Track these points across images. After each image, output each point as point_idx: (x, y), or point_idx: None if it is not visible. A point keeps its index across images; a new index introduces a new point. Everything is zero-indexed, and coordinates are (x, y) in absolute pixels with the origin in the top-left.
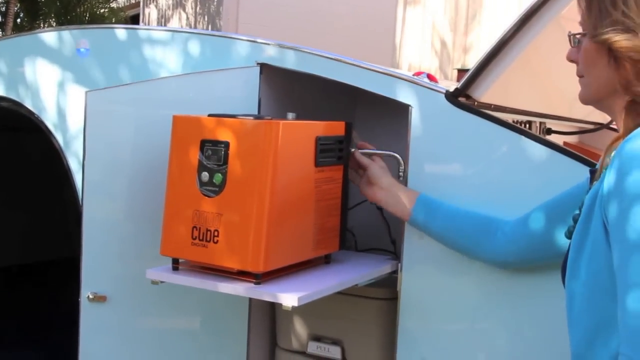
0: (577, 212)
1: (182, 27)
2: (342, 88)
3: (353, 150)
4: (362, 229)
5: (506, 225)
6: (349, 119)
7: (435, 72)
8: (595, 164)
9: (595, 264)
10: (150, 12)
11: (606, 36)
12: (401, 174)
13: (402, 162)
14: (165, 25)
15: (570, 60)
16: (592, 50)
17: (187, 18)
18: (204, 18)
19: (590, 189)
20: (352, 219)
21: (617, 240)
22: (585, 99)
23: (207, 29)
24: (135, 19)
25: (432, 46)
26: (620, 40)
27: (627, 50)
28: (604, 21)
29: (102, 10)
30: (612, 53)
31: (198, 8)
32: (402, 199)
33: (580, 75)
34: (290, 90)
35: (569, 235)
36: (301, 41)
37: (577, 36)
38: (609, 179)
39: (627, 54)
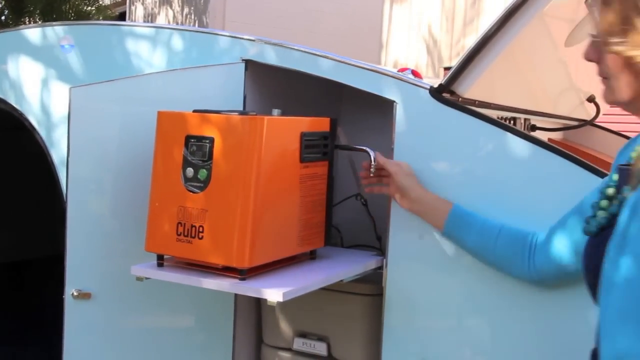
0: (596, 200)
1: (168, 23)
2: (328, 84)
3: (373, 155)
4: (348, 225)
5: (538, 241)
6: (335, 116)
7: (422, 70)
8: (582, 161)
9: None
10: (137, 10)
11: (622, 48)
12: (372, 169)
13: (373, 158)
14: (152, 23)
15: (589, 59)
16: (614, 58)
17: (174, 16)
18: (190, 16)
19: (616, 186)
20: (338, 216)
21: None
22: (609, 102)
23: (194, 26)
24: (122, 17)
25: (418, 44)
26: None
27: None
28: (624, 28)
29: (88, 8)
30: (632, 65)
31: (185, 6)
32: (434, 211)
33: (603, 77)
34: (276, 87)
35: (589, 229)
36: (288, 39)
37: (596, 39)
38: None
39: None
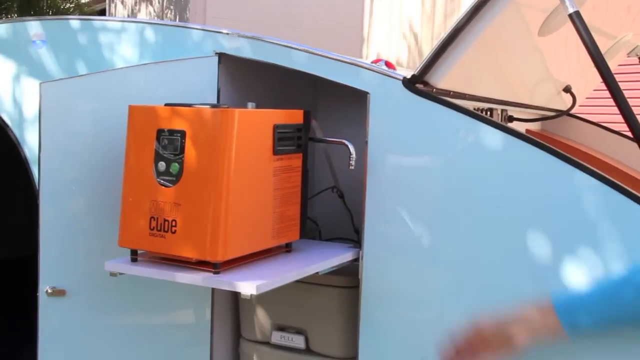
0: None
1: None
2: (303, 78)
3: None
4: (326, 218)
5: None
6: (312, 109)
7: (404, 64)
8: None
9: None
10: (117, 7)
11: None
12: (352, 162)
13: (352, 151)
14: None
15: None
16: None
17: (155, 12)
18: (171, 12)
19: None
20: (316, 209)
21: None
22: None
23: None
24: (102, 14)
25: (399, 38)
26: None
27: None
28: None
29: (67, 5)
30: None
31: (165, 1)
32: None
33: None
34: (251, 81)
35: None
36: (270, 35)
37: None
38: None
39: None
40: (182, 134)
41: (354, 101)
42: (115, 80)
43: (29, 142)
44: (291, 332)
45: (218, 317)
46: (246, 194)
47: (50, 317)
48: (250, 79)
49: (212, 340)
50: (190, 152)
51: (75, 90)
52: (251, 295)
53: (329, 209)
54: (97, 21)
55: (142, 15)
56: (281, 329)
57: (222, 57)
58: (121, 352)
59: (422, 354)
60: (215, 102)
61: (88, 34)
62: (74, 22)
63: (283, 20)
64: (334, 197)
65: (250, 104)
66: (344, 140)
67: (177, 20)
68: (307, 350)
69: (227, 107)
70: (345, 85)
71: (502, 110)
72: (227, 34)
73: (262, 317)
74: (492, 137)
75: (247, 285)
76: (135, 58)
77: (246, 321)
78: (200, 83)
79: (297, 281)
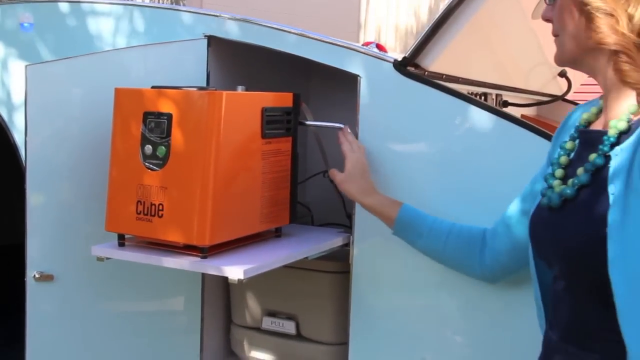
0: (550, 172)
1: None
2: (295, 61)
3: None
4: (318, 204)
5: (488, 240)
6: (303, 93)
7: (402, 50)
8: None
9: None
10: None
11: None
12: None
13: (349, 132)
14: None
15: (546, 19)
16: (564, 5)
17: None
18: None
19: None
20: (308, 194)
21: None
22: (560, 60)
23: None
24: None
25: (397, 25)
26: None
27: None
28: None
29: None
30: (582, 7)
31: None
32: (379, 215)
33: (555, 35)
34: (242, 64)
35: (551, 202)
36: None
37: None
38: None
39: (595, 4)
40: (169, 116)
41: (346, 85)
42: (102, 62)
43: (18, 126)
44: (282, 317)
45: (208, 302)
46: (234, 178)
47: (39, 303)
48: (241, 63)
49: (203, 325)
50: (177, 135)
51: (61, 73)
52: (239, 280)
53: (321, 194)
54: (85, 3)
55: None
56: (272, 314)
57: (212, 40)
58: (110, 337)
59: (413, 339)
60: (204, 85)
61: (77, 16)
62: (62, 5)
63: (279, 6)
64: (327, 182)
65: (239, 87)
66: (339, 125)
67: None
68: (298, 336)
69: (215, 90)
70: (337, 69)
71: (497, 95)
72: (217, 16)
73: (252, 303)
74: (487, 121)
75: (235, 269)
76: (124, 41)
77: (237, 307)
78: (189, 66)
79: (288, 266)
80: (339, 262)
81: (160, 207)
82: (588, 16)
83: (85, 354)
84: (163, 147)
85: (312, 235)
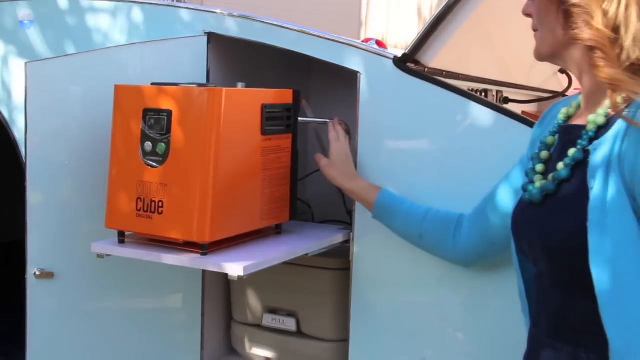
0: (531, 166)
1: None
2: (295, 58)
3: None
4: (318, 200)
5: (463, 224)
6: (303, 89)
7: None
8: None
9: (627, 241)
10: None
11: None
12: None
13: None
14: None
15: (526, 14)
16: (543, 1)
17: None
18: None
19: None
20: (308, 191)
21: None
22: (539, 54)
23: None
24: None
25: (398, 22)
26: None
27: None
28: None
29: None
30: (559, 3)
31: None
32: (360, 199)
33: (535, 30)
34: (242, 61)
35: (532, 197)
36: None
37: None
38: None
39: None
40: (169, 113)
41: (346, 82)
42: (102, 59)
43: (18, 124)
44: (282, 314)
45: (209, 299)
46: (234, 174)
47: (39, 300)
48: (240, 60)
49: (203, 322)
50: (176, 132)
51: (61, 71)
52: (238, 276)
53: (321, 191)
54: (85, 1)
55: None
56: (272, 311)
57: (212, 37)
58: (111, 334)
59: (414, 336)
60: (204, 82)
61: (76, 14)
62: (62, 2)
63: (280, 3)
64: (327, 179)
65: (239, 84)
66: (333, 120)
67: (174, 2)
68: (299, 333)
69: (214, 86)
70: (337, 66)
71: (497, 92)
72: (217, 13)
73: (253, 300)
74: (487, 118)
75: (235, 266)
76: (124, 38)
77: (237, 304)
78: (189, 63)
79: (288, 263)
80: (339, 259)
81: (160, 204)
82: (565, 12)
83: (86, 351)
84: (163, 144)
85: (313, 232)
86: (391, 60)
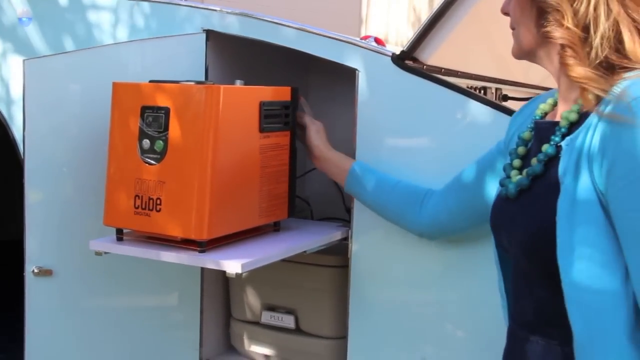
0: (508, 162)
1: None
2: (294, 55)
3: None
4: (318, 198)
5: (431, 197)
6: (302, 87)
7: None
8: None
9: (594, 234)
10: None
11: None
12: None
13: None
14: None
15: (504, 12)
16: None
17: None
18: None
19: (526, 145)
20: (307, 189)
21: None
22: (516, 53)
23: None
24: None
25: (399, 19)
26: None
27: None
28: None
29: None
30: (533, 1)
31: None
32: (336, 169)
33: (512, 28)
34: (240, 59)
35: (509, 192)
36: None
37: None
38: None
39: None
40: (167, 110)
41: (345, 80)
42: (101, 57)
43: (17, 122)
44: (281, 312)
45: (207, 297)
46: (232, 172)
47: (37, 298)
48: (239, 58)
49: (202, 320)
50: (174, 129)
51: (59, 68)
52: (236, 274)
53: (321, 188)
54: None
55: None
56: (271, 308)
57: (210, 34)
58: (109, 332)
59: (412, 333)
60: (203, 79)
61: (75, 11)
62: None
63: (282, 2)
64: (326, 176)
65: (238, 81)
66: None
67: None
68: (297, 330)
69: (213, 84)
70: (336, 64)
71: (497, 89)
72: (215, 10)
73: (251, 297)
74: (486, 115)
75: (233, 263)
76: (123, 35)
77: (236, 301)
78: (188, 60)
79: (287, 260)
80: (338, 256)
81: (158, 202)
82: (538, 10)
83: (84, 348)
84: (161, 142)
85: (311, 229)
86: (389, 58)
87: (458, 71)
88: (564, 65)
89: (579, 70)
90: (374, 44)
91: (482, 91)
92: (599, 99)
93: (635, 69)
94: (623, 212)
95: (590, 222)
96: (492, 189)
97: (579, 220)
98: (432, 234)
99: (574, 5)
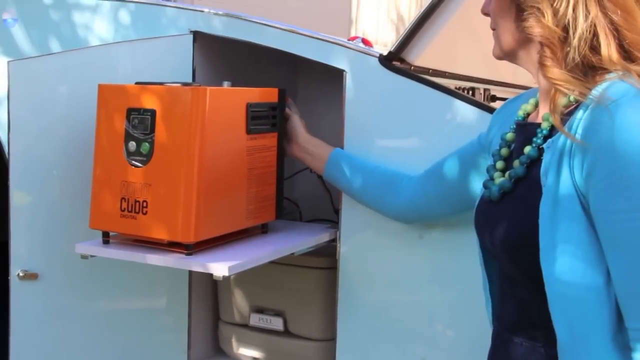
0: (491, 163)
1: None
2: (282, 56)
3: None
4: (306, 200)
5: (410, 181)
6: (291, 87)
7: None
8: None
9: (576, 231)
10: None
11: None
12: None
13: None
14: None
15: (484, 13)
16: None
17: None
18: None
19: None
20: (296, 190)
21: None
22: (497, 53)
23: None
24: None
25: (388, 20)
26: None
27: None
28: None
29: None
30: (513, 0)
31: None
32: (317, 155)
33: (493, 28)
34: (228, 60)
35: (492, 195)
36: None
37: None
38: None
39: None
40: (153, 113)
41: (333, 81)
42: (87, 58)
43: (2, 123)
44: (269, 314)
45: (195, 300)
46: (218, 174)
47: (22, 301)
48: (227, 59)
49: (190, 323)
50: (160, 131)
51: (44, 69)
52: (224, 276)
53: (309, 190)
54: None
55: None
56: (259, 311)
57: (197, 36)
58: (96, 336)
59: (402, 335)
60: (190, 81)
61: (61, 11)
62: (47, 0)
63: (270, 3)
64: (315, 177)
65: (225, 83)
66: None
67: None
68: (286, 332)
69: (199, 85)
70: (323, 65)
71: (485, 89)
72: (203, 12)
73: (240, 300)
74: (474, 116)
75: (219, 266)
76: (109, 36)
77: (224, 304)
78: (175, 62)
79: (275, 263)
80: (326, 258)
81: (145, 204)
82: (518, 9)
83: (70, 353)
84: (147, 144)
85: (299, 231)
86: (377, 59)
87: (446, 72)
88: (541, 67)
89: (554, 72)
90: (361, 44)
91: (471, 92)
92: (577, 102)
93: (616, 70)
94: (604, 214)
95: (572, 219)
96: (470, 180)
97: (560, 218)
98: (408, 218)
99: (554, 4)
